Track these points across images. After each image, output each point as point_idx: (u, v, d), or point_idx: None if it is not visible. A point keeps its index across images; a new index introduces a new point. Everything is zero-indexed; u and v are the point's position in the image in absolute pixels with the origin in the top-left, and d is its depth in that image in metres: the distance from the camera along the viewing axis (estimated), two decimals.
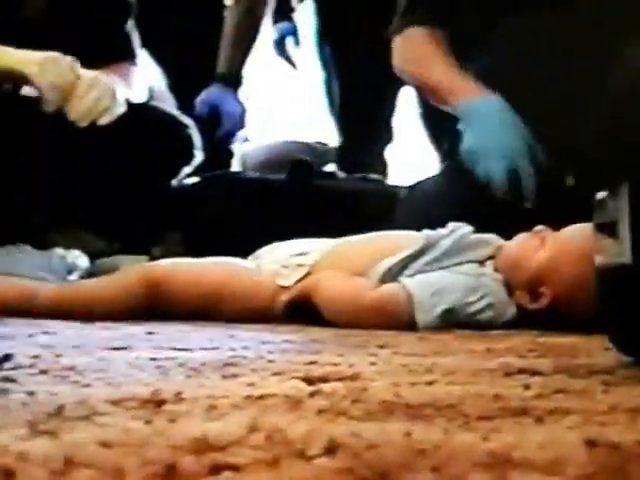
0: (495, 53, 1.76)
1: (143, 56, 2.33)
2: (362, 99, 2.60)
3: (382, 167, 2.66)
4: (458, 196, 1.70)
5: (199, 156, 2.04)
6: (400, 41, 1.87)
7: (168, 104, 2.46)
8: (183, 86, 2.56)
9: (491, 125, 1.67)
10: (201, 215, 2.07)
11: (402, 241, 1.45)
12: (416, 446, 0.45)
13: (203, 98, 2.43)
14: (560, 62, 1.69)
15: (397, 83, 2.36)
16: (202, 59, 2.48)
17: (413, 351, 0.97)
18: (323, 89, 2.75)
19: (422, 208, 1.75)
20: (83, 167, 1.89)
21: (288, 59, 2.94)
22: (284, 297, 1.41)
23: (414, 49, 1.86)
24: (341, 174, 2.30)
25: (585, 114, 1.53)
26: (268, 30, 2.75)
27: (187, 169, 2.06)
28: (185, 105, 2.45)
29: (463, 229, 1.44)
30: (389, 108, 2.67)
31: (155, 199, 2.00)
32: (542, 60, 1.71)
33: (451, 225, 1.45)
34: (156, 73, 2.74)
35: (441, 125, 2.19)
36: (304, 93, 3.31)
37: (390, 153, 2.72)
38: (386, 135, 2.69)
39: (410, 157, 2.99)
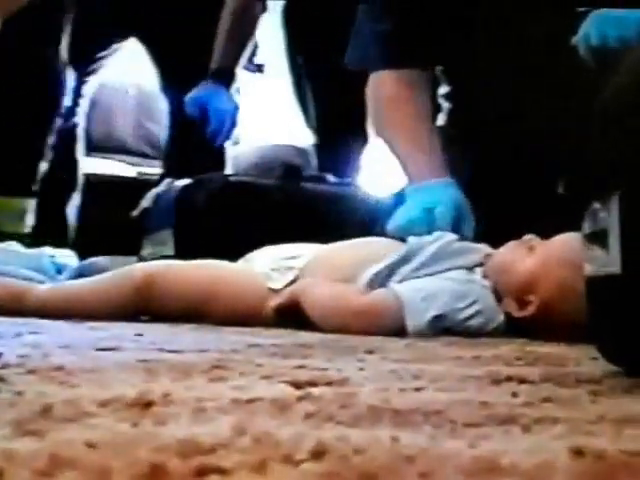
0: (485, 61, 1.76)
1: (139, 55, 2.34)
2: (337, 105, 2.58)
3: (356, 172, 2.65)
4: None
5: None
6: (368, 92, 1.83)
7: (161, 105, 2.46)
8: (177, 84, 2.54)
9: (425, 197, 1.64)
10: (192, 217, 2.07)
11: (389, 247, 1.45)
12: (403, 452, 0.45)
13: (192, 95, 2.42)
14: (553, 71, 1.69)
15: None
16: (198, 56, 2.46)
17: (401, 357, 0.97)
18: (295, 98, 2.75)
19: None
20: None
21: (252, 68, 2.93)
22: (273, 302, 1.41)
23: (377, 109, 1.82)
24: (332, 178, 2.30)
25: (578, 122, 1.53)
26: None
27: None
28: (179, 104, 2.44)
29: (448, 236, 1.44)
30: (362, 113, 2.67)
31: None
32: (535, 69, 1.71)
33: (436, 233, 1.46)
34: (151, 72, 2.74)
35: None
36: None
37: (365, 159, 2.71)
38: (361, 140, 2.68)
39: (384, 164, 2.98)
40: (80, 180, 2.58)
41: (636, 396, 0.70)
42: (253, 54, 2.86)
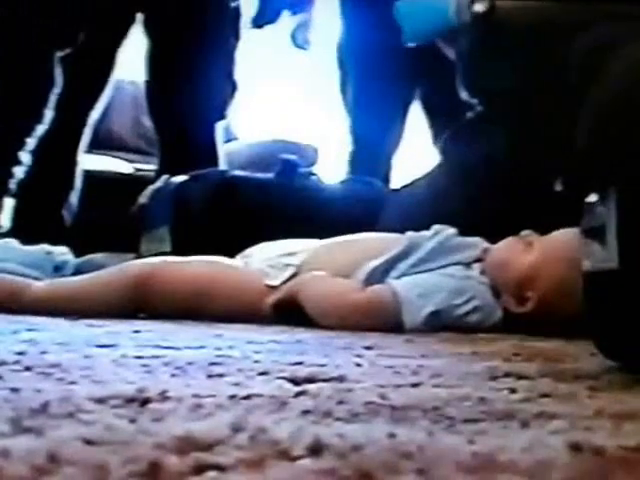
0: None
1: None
2: (381, 98, 2.59)
3: (388, 170, 2.65)
4: (445, 200, 1.70)
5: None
6: None
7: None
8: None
9: None
10: (188, 213, 2.07)
11: (387, 242, 1.45)
12: (401, 448, 0.45)
13: None
14: (551, 68, 1.69)
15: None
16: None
17: (399, 353, 0.97)
18: (339, 88, 2.74)
19: (408, 211, 1.75)
20: None
21: (305, 45, 2.93)
22: (271, 298, 1.41)
23: None
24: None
25: (575, 118, 1.53)
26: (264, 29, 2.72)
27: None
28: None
29: (447, 231, 1.44)
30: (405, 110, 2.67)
31: None
32: (533, 65, 1.71)
33: (435, 227, 1.46)
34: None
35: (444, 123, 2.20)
36: (296, 94, 3.31)
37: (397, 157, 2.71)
38: (397, 138, 2.68)
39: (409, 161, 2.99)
40: (78, 177, 2.56)
41: (634, 391, 0.70)
42: (306, 28, 2.86)
